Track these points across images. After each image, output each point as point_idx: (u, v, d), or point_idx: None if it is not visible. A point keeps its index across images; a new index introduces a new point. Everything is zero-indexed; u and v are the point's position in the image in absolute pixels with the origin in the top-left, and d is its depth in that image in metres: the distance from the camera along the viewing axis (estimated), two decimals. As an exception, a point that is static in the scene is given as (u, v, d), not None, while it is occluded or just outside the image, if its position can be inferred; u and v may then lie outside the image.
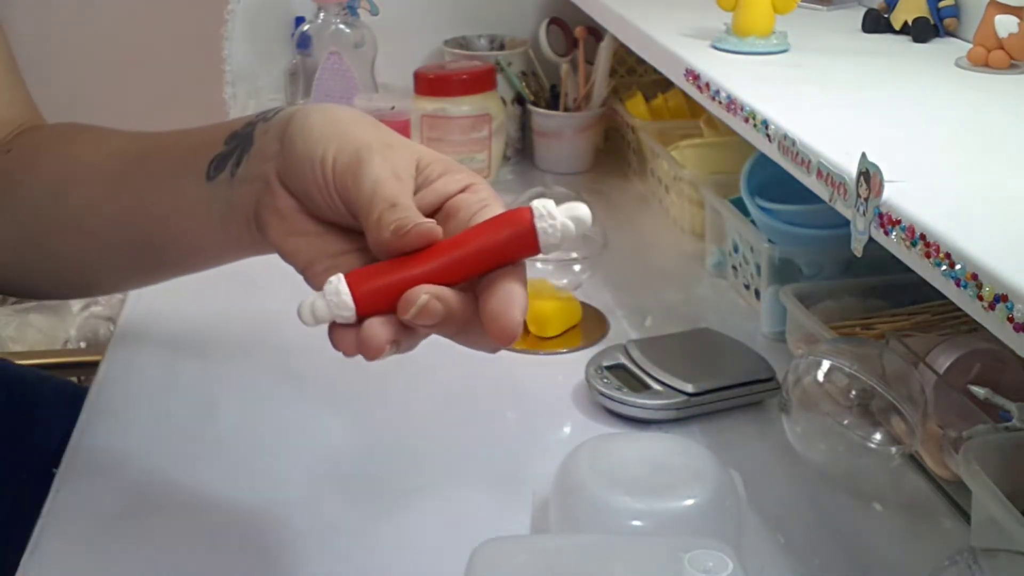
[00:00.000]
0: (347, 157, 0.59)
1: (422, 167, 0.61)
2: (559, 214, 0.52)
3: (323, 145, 0.60)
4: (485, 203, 0.59)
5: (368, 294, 0.54)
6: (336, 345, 0.56)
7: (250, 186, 0.64)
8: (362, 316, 0.54)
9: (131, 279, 0.80)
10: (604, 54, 1.36)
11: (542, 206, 0.52)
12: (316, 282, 0.59)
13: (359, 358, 0.57)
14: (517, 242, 0.53)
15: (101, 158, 0.74)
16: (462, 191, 0.60)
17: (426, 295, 0.53)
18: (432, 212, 0.59)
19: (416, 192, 0.60)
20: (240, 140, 0.67)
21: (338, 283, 0.54)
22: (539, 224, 0.52)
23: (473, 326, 0.56)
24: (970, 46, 0.86)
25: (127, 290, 0.95)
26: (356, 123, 0.62)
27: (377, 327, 0.54)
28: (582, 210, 0.52)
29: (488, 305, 0.53)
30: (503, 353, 0.97)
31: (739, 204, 1.04)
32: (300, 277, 0.63)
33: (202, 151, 0.69)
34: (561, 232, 0.52)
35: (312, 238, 0.62)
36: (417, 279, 0.53)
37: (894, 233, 0.58)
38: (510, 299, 0.53)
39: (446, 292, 0.54)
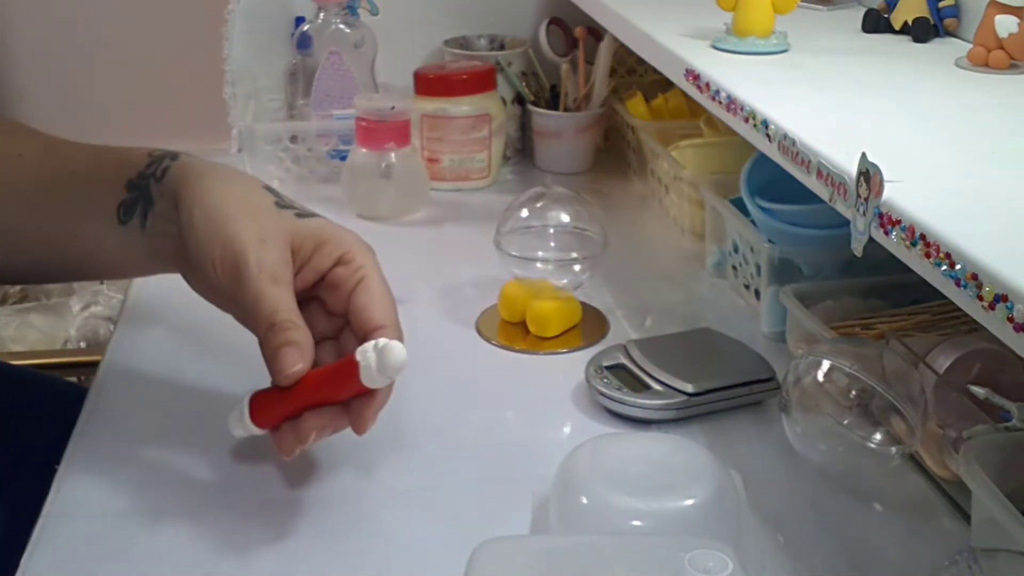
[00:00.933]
0: (229, 264, 0.68)
1: (296, 248, 0.70)
2: (374, 363, 0.65)
3: (209, 250, 0.69)
4: (361, 274, 0.70)
5: (264, 418, 0.71)
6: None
7: (164, 241, 0.73)
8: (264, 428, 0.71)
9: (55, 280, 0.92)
10: (604, 54, 1.36)
11: (363, 356, 0.66)
12: (246, 325, 0.72)
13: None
14: (352, 385, 0.67)
15: (22, 181, 0.79)
16: (336, 264, 0.70)
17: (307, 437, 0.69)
18: (314, 286, 0.70)
19: (297, 273, 0.70)
20: (140, 192, 0.74)
21: (243, 413, 0.71)
22: (361, 374, 0.66)
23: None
24: (970, 46, 0.86)
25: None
26: (234, 217, 0.70)
27: (283, 436, 0.70)
28: (394, 356, 0.65)
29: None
30: (503, 353, 0.98)
31: (739, 204, 1.04)
32: None
33: (108, 194, 0.75)
34: (379, 377, 0.66)
35: (228, 299, 0.72)
36: (295, 407, 0.69)
37: (894, 233, 0.58)
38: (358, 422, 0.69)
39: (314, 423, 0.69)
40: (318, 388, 0.69)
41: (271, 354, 0.67)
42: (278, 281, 0.68)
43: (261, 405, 0.71)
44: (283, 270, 0.69)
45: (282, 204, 0.73)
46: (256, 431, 0.71)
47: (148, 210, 0.73)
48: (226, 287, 0.69)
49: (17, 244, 0.78)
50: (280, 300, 0.67)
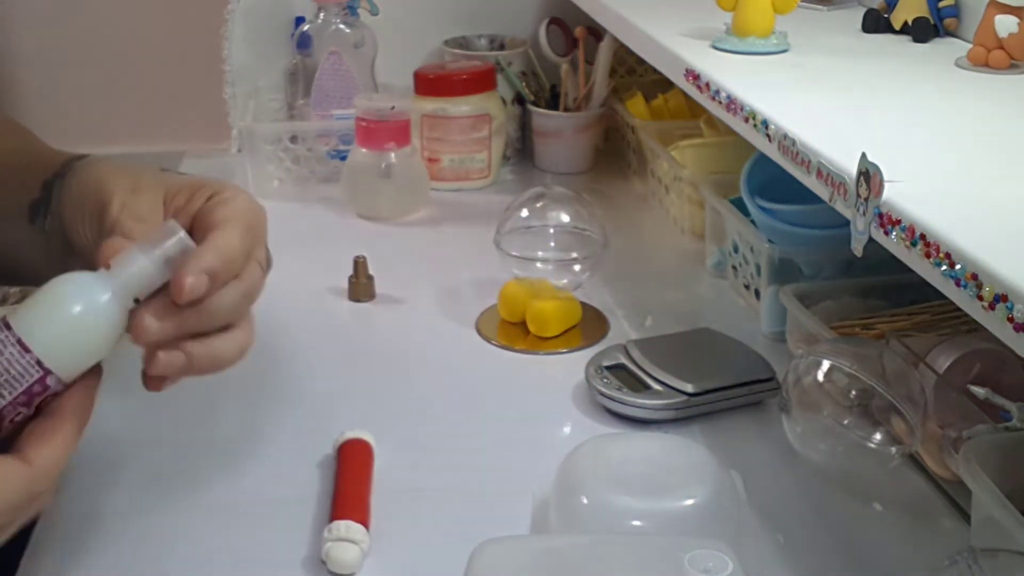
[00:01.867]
0: (96, 211, 0.63)
1: (169, 199, 0.65)
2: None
3: (82, 208, 0.65)
4: (222, 201, 0.64)
5: None
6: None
7: (56, 239, 0.69)
8: None
9: None
10: (604, 54, 1.36)
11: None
12: None
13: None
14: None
15: None
16: (207, 202, 0.64)
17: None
18: (189, 231, 0.62)
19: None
20: (47, 192, 0.70)
21: None
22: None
23: None
24: (970, 46, 0.86)
25: None
26: (109, 176, 0.66)
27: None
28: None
29: None
30: (503, 353, 0.98)
31: (739, 204, 1.04)
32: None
33: (23, 192, 0.72)
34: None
35: None
36: None
37: (894, 233, 0.58)
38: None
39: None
40: None
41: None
42: (141, 220, 0.63)
43: None
44: (149, 214, 0.63)
45: (168, 170, 0.70)
46: None
47: (47, 209, 0.70)
48: (91, 235, 0.64)
49: None
50: (135, 231, 0.62)
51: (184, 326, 0.60)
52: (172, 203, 0.64)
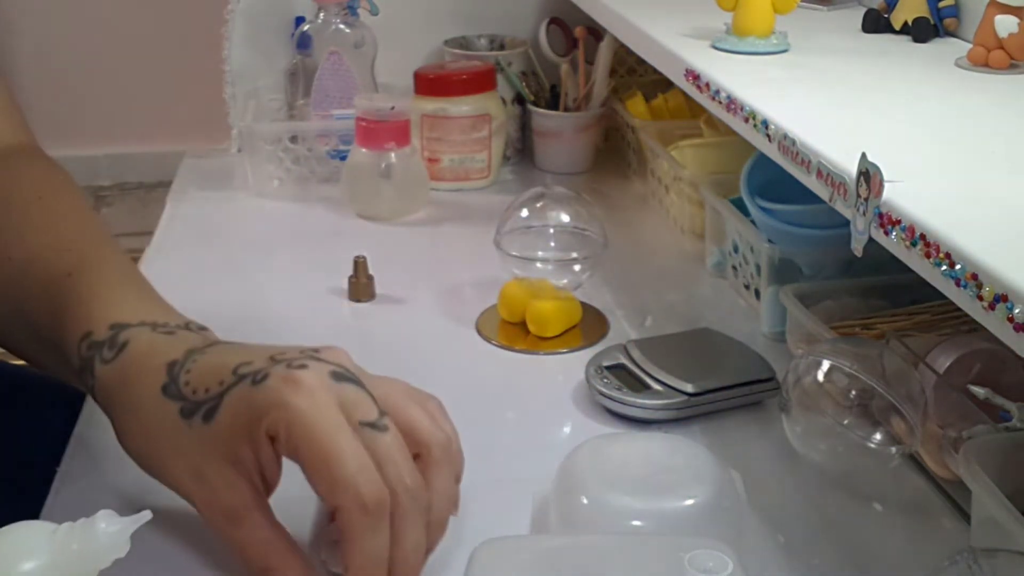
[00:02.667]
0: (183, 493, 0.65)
1: (235, 460, 0.63)
2: None
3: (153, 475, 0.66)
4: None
5: None
6: None
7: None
8: None
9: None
10: (604, 54, 1.36)
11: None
12: None
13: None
14: None
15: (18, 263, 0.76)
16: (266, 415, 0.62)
17: None
18: None
19: (255, 452, 0.63)
20: (85, 364, 0.69)
21: None
22: None
23: None
24: (970, 46, 0.86)
25: None
26: (157, 460, 0.67)
27: None
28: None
29: None
30: (503, 353, 0.98)
31: (739, 204, 1.04)
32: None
33: (67, 344, 0.70)
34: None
35: None
36: None
37: (894, 233, 0.58)
38: None
39: None
40: None
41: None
42: (234, 519, 0.63)
43: None
44: (230, 497, 0.63)
45: (187, 410, 0.64)
46: None
47: (90, 381, 0.70)
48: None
49: None
50: (252, 544, 0.63)
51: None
52: (240, 454, 0.64)
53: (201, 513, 0.63)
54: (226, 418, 0.62)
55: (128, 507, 0.76)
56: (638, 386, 0.87)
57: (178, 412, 0.64)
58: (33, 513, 0.75)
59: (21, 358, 0.80)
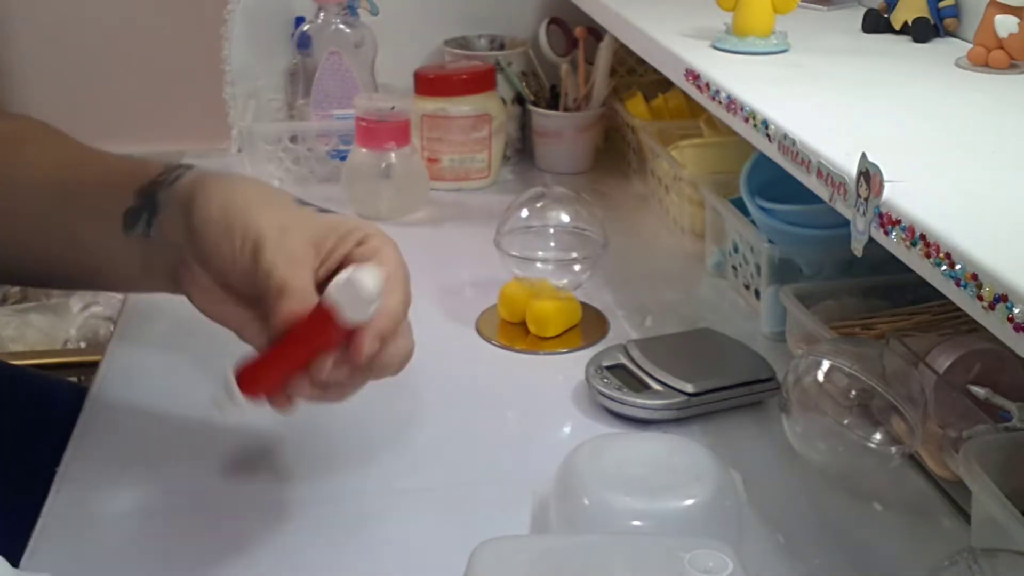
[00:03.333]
0: (248, 249, 0.67)
1: (318, 241, 0.69)
2: (346, 296, 0.63)
3: (228, 239, 0.67)
4: (375, 248, 0.69)
5: (252, 387, 0.66)
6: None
7: (164, 251, 0.72)
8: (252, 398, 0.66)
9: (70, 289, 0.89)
10: (604, 54, 1.36)
11: (335, 290, 0.63)
12: (251, 342, 0.69)
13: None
14: (333, 329, 0.64)
15: (36, 187, 0.78)
16: (356, 247, 0.69)
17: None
18: (336, 271, 0.67)
19: (322, 264, 0.68)
20: (147, 200, 0.73)
21: (229, 383, 0.65)
22: (339, 312, 0.63)
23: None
24: (970, 46, 0.86)
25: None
26: (254, 206, 0.69)
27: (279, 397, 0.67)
28: (364, 282, 0.63)
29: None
30: (503, 353, 0.98)
31: (739, 204, 1.04)
32: None
33: (116, 200, 0.74)
34: (357, 309, 0.63)
35: (236, 307, 0.70)
36: (287, 373, 0.66)
37: (894, 233, 0.58)
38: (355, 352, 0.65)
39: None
40: (301, 342, 0.65)
41: (281, 317, 0.65)
42: (296, 263, 0.66)
43: (248, 375, 0.66)
44: (302, 255, 0.67)
45: (301, 202, 0.73)
46: (244, 403, 0.66)
47: (152, 217, 0.72)
48: (243, 276, 0.67)
49: (24, 249, 0.78)
50: (295, 276, 0.66)
51: (356, 379, 0.68)
52: (322, 247, 0.69)
53: (261, 252, 0.66)
54: (332, 219, 0.71)
55: (128, 507, 0.76)
56: (638, 386, 0.87)
57: (292, 199, 0.72)
58: (33, 513, 0.75)
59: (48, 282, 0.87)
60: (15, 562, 0.71)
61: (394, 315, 0.67)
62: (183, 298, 0.76)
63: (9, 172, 0.79)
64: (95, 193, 0.76)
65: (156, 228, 0.72)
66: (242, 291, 0.69)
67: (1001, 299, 0.49)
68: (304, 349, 0.65)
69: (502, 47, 1.46)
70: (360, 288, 0.62)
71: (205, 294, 0.72)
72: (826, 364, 0.77)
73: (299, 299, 0.65)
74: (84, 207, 0.76)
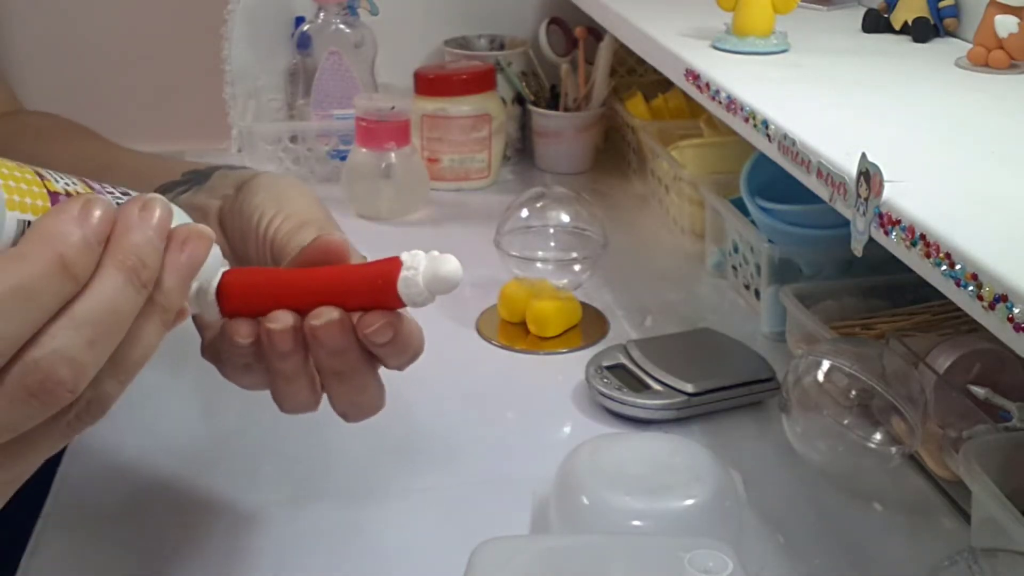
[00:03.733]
0: (291, 225, 0.62)
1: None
2: (423, 278, 0.54)
3: (274, 208, 0.63)
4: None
5: (235, 302, 0.55)
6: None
7: (187, 211, 0.66)
8: (228, 316, 0.55)
9: None
10: (604, 54, 1.36)
11: (410, 258, 0.54)
12: (196, 323, 0.62)
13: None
14: (378, 292, 0.54)
15: (72, 160, 0.76)
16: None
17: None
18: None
19: None
20: (198, 177, 0.70)
21: (209, 285, 0.54)
22: (401, 281, 0.53)
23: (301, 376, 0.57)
24: (970, 46, 0.86)
25: None
26: (302, 197, 0.66)
27: (239, 328, 0.55)
28: (446, 267, 0.54)
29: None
30: (503, 353, 0.98)
31: (739, 204, 1.04)
32: None
33: (156, 175, 0.71)
34: (422, 289, 0.54)
35: None
36: (283, 298, 0.54)
37: (894, 233, 0.58)
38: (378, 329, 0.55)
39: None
40: (329, 281, 0.55)
41: (324, 240, 0.58)
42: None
43: (238, 285, 0.55)
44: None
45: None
46: (217, 315, 0.55)
47: (196, 187, 0.69)
48: (272, 243, 0.63)
49: None
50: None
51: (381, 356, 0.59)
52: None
53: (308, 234, 0.61)
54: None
55: (128, 507, 0.76)
56: (638, 386, 0.87)
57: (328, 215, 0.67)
58: (33, 513, 0.75)
59: None
60: (15, 562, 0.71)
61: (423, 337, 0.60)
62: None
63: (37, 164, 0.78)
64: (134, 169, 0.74)
65: (191, 194, 0.69)
66: (250, 262, 0.65)
67: (1001, 299, 0.49)
68: (327, 290, 0.54)
69: (502, 47, 1.46)
70: (444, 271, 0.55)
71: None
72: (826, 364, 0.77)
73: (343, 246, 0.58)
74: (115, 180, 0.74)
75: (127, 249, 0.47)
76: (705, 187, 1.12)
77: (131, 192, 0.55)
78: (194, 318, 0.61)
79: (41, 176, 0.49)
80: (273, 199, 0.64)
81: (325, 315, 0.54)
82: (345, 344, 0.55)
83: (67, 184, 0.50)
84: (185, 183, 0.70)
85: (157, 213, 0.48)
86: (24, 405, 0.45)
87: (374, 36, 1.37)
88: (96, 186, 0.53)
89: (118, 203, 0.50)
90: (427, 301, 0.55)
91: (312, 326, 0.54)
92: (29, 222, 0.46)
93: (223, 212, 0.66)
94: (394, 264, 0.53)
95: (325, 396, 0.59)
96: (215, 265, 0.54)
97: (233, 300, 0.54)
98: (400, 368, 0.60)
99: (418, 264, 0.53)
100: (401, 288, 0.53)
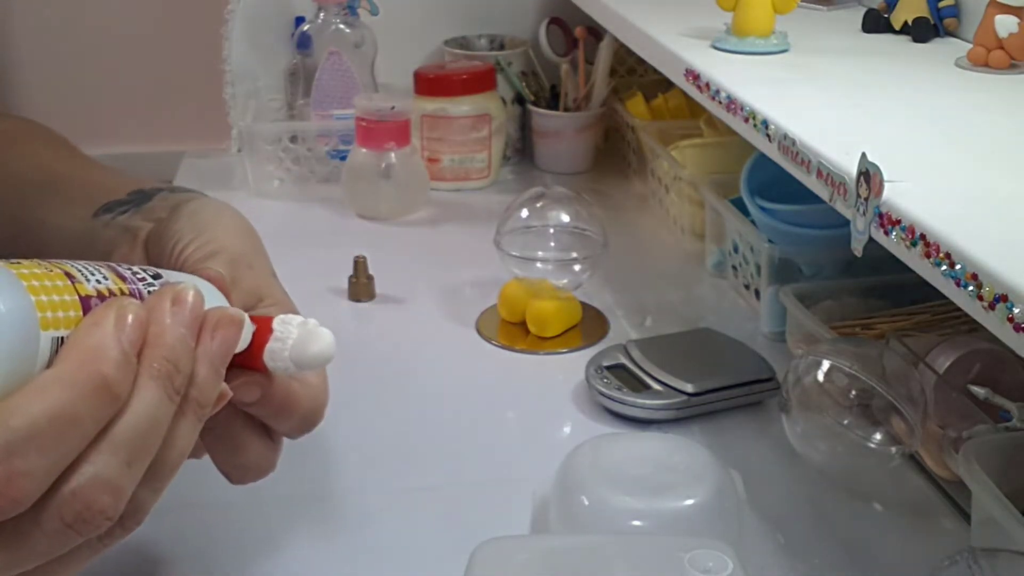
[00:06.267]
0: (201, 253, 0.59)
1: (262, 298, 0.60)
2: (289, 352, 0.51)
3: (191, 234, 0.60)
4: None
5: None
6: None
7: (115, 233, 0.65)
8: None
9: None
10: (604, 54, 1.36)
11: (281, 324, 0.52)
12: None
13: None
14: (243, 353, 0.51)
15: (16, 175, 0.75)
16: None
17: None
18: None
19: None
20: (140, 197, 0.69)
21: None
22: (269, 343, 0.52)
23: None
24: (970, 46, 0.86)
25: None
26: (227, 226, 0.62)
27: None
28: (319, 346, 0.52)
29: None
30: (503, 353, 0.98)
31: (739, 204, 1.04)
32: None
33: (103, 193, 0.70)
34: (286, 358, 0.52)
35: None
36: None
37: (894, 233, 0.58)
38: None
39: None
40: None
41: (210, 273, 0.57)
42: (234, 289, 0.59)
43: None
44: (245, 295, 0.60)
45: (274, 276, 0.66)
46: None
47: (136, 208, 0.68)
48: (178, 267, 0.60)
49: None
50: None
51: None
52: (260, 305, 0.61)
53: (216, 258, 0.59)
54: (273, 295, 0.63)
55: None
56: (638, 386, 0.87)
57: (272, 271, 0.65)
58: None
59: None
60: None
61: (321, 404, 0.58)
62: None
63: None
64: (85, 186, 0.73)
65: (128, 216, 0.67)
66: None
67: (1001, 299, 0.49)
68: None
69: (502, 47, 1.46)
70: (319, 348, 0.52)
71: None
72: (826, 364, 0.77)
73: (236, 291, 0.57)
74: (63, 194, 0.72)
75: (163, 356, 0.46)
76: (705, 187, 1.12)
77: (160, 272, 0.54)
78: None
79: (71, 278, 0.47)
80: (194, 226, 0.61)
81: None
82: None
83: (98, 282, 0.49)
84: (127, 203, 0.68)
85: (189, 304, 0.48)
86: (61, 536, 0.44)
87: (374, 36, 1.37)
88: (126, 273, 0.52)
89: (150, 291, 0.50)
90: (294, 374, 0.53)
91: None
92: (63, 338, 0.45)
93: (150, 235, 0.64)
94: (264, 329, 0.52)
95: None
96: None
97: None
98: (292, 436, 0.58)
99: (288, 335, 0.52)
100: (266, 357, 0.52)
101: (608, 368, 0.89)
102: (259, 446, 0.57)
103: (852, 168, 0.62)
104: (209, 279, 0.56)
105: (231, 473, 0.58)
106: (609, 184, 1.39)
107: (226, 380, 0.51)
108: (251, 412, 0.55)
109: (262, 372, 0.52)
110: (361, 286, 1.06)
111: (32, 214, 0.73)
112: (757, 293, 1.02)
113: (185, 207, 0.64)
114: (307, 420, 0.57)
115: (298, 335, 0.52)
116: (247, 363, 0.52)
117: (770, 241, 0.99)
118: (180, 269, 0.59)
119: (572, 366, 0.93)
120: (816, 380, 0.78)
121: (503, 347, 0.99)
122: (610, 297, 1.07)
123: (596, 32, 1.38)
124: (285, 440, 0.84)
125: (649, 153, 1.30)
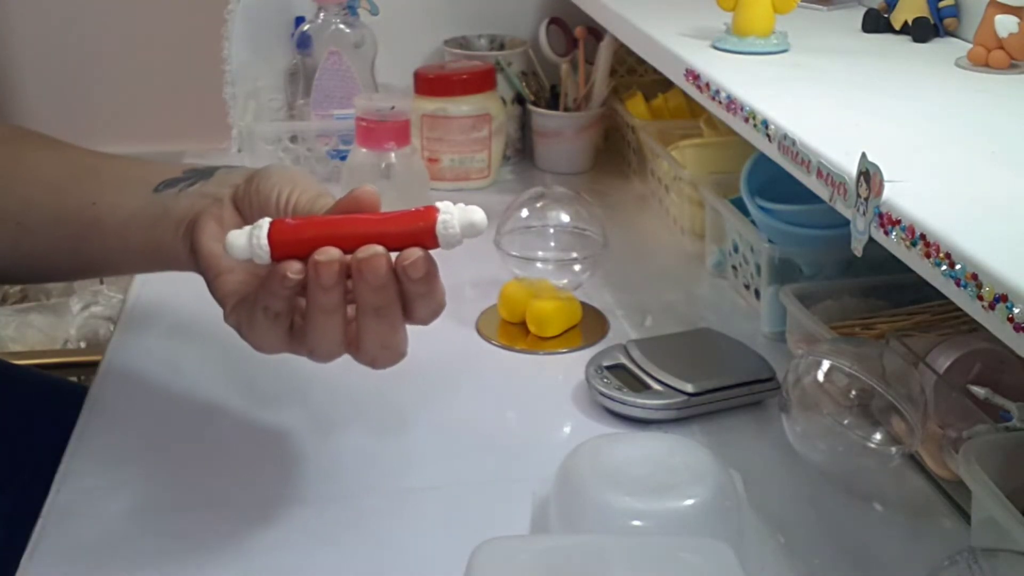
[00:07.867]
0: (309, 196, 0.68)
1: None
2: (458, 222, 0.61)
3: (290, 186, 0.68)
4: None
5: (285, 244, 0.61)
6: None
7: (195, 200, 0.72)
8: (277, 260, 0.61)
9: (57, 274, 0.92)
10: (604, 54, 1.36)
11: (445, 206, 0.61)
12: (219, 294, 0.67)
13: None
14: (417, 233, 0.61)
15: (48, 163, 0.80)
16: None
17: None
18: None
19: None
20: (200, 173, 0.75)
21: (261, 229, 0.61)
22: (439, 225, 0.60)
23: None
24: (970, 46, 0.86)
25: (52, 282, 1.05)
26: (312, 179, 0.71)
27: (290, 264, 0.61)
28: (477, 215, 0.61)
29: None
30: (503, 353, 0.98)
31: (739, 204, 1.04)
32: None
33: (159, 173, 0.76)
34: (456, 231, 0.61)
35: None
36: (329, 239, 0.61)
37: (894, 233, 0.58)
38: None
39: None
40: (372, 224, 0.61)
41: (360, 191, 0.64)
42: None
43: (287, 230, 0.61)
44: None
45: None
46: (264, 255, 0.61)
47: (201, 180, 0.74)
48: (292, 213, 0.67)
49: (27, 219, 0.78)
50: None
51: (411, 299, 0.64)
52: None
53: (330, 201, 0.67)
54: None
55: (128, 507, 0.76)
56: (638, 386, 0.87)
57: None
58: (33, 513, 0.75)
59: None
60: (15, 561, 0.71)
61: (445, 295, 0.65)
62: (183, 298, 0.77)
63: (17, 151, 0.81)
64: (136, 167, 0.78)
65: (199, 186, 0.73)
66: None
67: (1001, 299, 0.49)
68: (370, 232, 0.61)
69: (502, 47, 1.46)
70: (476, 218, 0.61)
71: (218, 229, 0.70)
72: (826, 364, 0.77)
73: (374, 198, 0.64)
74: (115, 175, 0.78)
75: None
76: (705, 187, 1.12)
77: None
78: (214, 290, 0.68)
79: None
80: (288, 179, 0.69)
81: (371, 249, 0.60)
82: (386, 279, 0.61)
83: None
84: (187, 179, 0.74)
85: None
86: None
87: (374, 36, 1.37)
88: None
89: None
90: (458, 243, 0.61)
91: (359, 259, 0.60)
92: None
93: (237, 197, 0.70)
94: (432, 209, 0.61)
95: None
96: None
97: (282, 244, 0.61)
98: (424, 321, 0.64)
99: (452, 211, 0.61)
100: (440, 229, 0.60)
101: (608, 368, 0.89)
102: (404, 329, 0.64)
103: (852, 168, 0.62)
104: (366, 196, 0.63)
105: (379, 357, 0.65)
106: (609, 184, 1.39)
107: (400, 257, 0.61)
108: (411, 290, 0.62)
109: (431, 247, 0.61)
110: (361, 286, 1.06)
111: (72, 201, 0.77)
112: (757, 293, 1.02)
113: (265, 170, 0.71)
114: (441, 305, 0.64)
115: (459, 210, 0.61)
116: (419, 241, 0.61)
117: (770, 241, 0.99)
118: (292, 212, 0.67)
119: (572, 366, 0.93)
120: (816, 380, 0.78)
121: (503, 347, 0.99)
122: (610, 297, 1.07)
123: (596, 32, 1.38)
124: (285, 441, 0.84)
125: (649, 153, 1.30)
